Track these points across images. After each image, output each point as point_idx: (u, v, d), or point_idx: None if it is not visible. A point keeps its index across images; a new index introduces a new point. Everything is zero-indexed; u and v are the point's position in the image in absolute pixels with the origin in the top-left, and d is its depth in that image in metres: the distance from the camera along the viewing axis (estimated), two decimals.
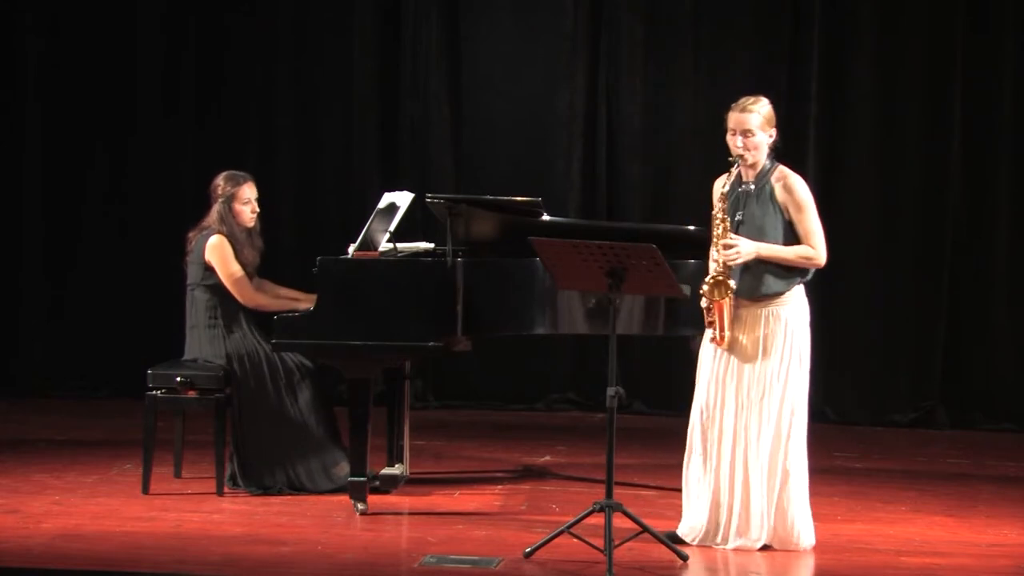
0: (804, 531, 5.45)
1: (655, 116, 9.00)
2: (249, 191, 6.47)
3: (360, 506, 5.98)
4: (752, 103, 5.44)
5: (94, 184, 9.33)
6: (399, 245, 6.35)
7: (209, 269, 6.37)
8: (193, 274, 6.44)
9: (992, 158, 8.70)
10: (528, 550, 5.31)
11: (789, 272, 5.41)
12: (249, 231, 6.49)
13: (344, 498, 6.09)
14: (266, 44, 9.27)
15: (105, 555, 5.29)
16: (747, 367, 5.43)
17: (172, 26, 9.26)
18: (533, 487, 6.71)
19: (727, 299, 5.34)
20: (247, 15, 9.29)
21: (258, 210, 6.51)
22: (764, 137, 5.44)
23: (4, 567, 5.06)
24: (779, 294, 5.41)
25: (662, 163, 8.99)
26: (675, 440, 5.65)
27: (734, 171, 5.43)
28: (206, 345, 6.39)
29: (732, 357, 5.45)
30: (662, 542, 5.35)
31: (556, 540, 5.30)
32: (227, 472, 6.36)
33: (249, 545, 5.46)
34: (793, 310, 5.44)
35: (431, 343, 5.94)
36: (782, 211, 5.42)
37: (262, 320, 6.40)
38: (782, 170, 5.48)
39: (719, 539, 5.47)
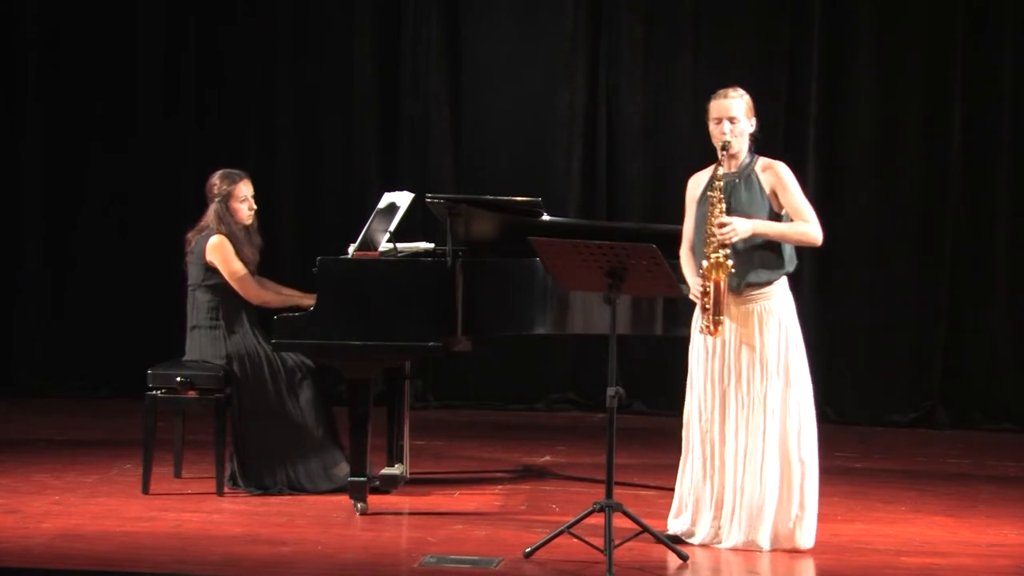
0: (810, 528, 5.44)
1: (655, 116, 9.00)
2: (245, 188, 6.47)
3: (360, 506, 5.98)
4: (734, 91, 5.49)
5: (94, 184, 9.34)
6: (399, 245, 6.35)
7: (210, 269, 6.37)
8: (194, 275, 6.44)
9: (992, 158, 8.70)
10: (528, 550, 5.31)
11: (776, 261, 5.42)
12: (247, 229, 6.49)
13: (344, 498, 6.09)
14: (266, 44, 9.27)
15: (105, 555, 5.29)
16: (745, 366, 5.43)
17: (172, 26, 9.27)
18: (533, 487, 6.71)
19: (724, 281, 5.33)
20: (247, 15, 9.30)
21: (255, 207, 6.51)
22: (747, 125, 5.47)
23: (4, 567, 5.06)
24: (767, 284, 5.41)
25: (662, 163, 8.98)
26: (675, 440, 5.65)
27: (724, 162, 5.43)
28: (207, 345, 6.39)
29: (728, 357, 5.45)
30: (662, 542, 5.35)
31: (556, 540, 5.30)
32: (227, 472, 6.36)
33: (249, 545, 5.46)
34: (781, 303, 5.45)
35: (431, 343, 5.94)
36: (769, 198, 5.44)
37: (263, 320, 6.41)
38: (764, 159, 5.51)
39: (722, 539, 5.47)
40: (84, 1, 9.29)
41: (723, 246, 5.31)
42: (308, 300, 6.23)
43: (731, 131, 5.43)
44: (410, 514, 6.11)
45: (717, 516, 5.49)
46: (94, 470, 6.81)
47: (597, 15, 9.03)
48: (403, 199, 6.47)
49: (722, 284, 5.33)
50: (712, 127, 5.47)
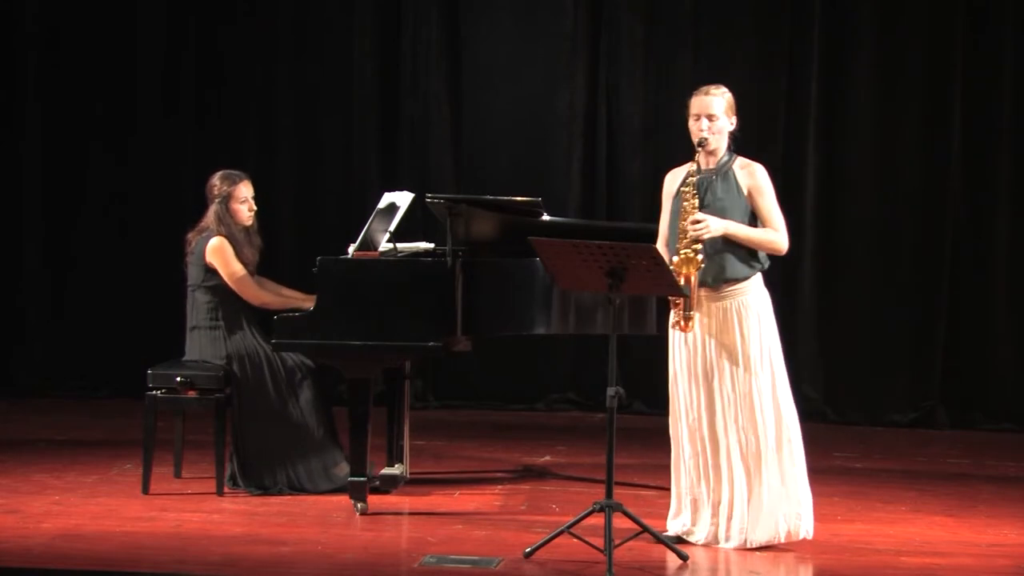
0: (809, 518, 5.44)
1: (655, 116, 9.00)
2: (245, 190, 6.47)
3: (360, 506, 5.98)
4: (715, 88, 5.49)
5: (94, 184, 9.34)
6: (399, 245, 6.35)
7: (210, 270, 6.37)
8: (194, 275, 6.44)
9: (992, 158, 8.70)
10: (528, 550, 5.31)
11: (751, 257, 5.43)
12: (247, 230, 6.49)
13: (344, 498, 6.09)
14: (266, 44, 9.27)
15: (105, 555, 5.29)
16: (727, 362, 5.42)
17: (172, 26, 9.27)
18: (533, 487, 6.71)
19: (694, 276, 5.33)
20: (247, 15, 9.30)
21: (255, 208, 6.51)
22: (726, 123, 5.47)
23: (4, 567, 5.06)
24: (743, 279, 5.41)
25: (662, 163, 8.90)
26: None
27: (700, 158, 5.43)
28: (207, 346, 6.39)
29: (709, 353, 5.44)
30: (662, 542, 5.35)
31: (556, 540, 5.30)
32: (227, 472, 6.36)
33: (249, 545, 5.46)
34: (757, 298, 5.45)
35: (431, 343, 5.94)
36: (745, 196, 5.44)
37: (263, 320, 6.41)
38: (743, 159, 5.52)
39: (721, 539, 5.47)
40: (84, 1, 9.29)
41: (696, 242, 5.32)
42: (308, 302, 6.22)
43: (709, 128, 5.43)
44: (410, 514, 6.11)
45: (716, 515, 5.48)
46: (94, 470, 6.81)
47: (597, 15, 9.04)
48: (403, 199, 6.47)
49: (692, 279, 5.34)
50: (691, 123, 5.48)
